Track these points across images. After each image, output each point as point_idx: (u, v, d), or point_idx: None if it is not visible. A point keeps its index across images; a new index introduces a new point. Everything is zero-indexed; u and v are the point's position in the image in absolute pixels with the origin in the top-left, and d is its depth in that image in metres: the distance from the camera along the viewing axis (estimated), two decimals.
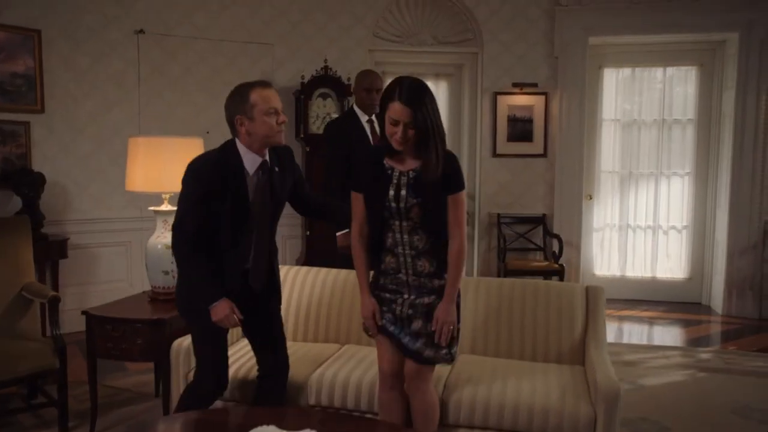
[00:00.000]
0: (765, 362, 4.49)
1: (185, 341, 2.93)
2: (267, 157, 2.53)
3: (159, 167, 3.25)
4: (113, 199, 5.12)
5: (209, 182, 2.41)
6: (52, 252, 4.67)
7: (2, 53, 4.65)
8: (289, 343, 3.21)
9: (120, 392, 3.76)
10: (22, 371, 3.04)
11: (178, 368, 2.91)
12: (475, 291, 3.19)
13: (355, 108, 3.88)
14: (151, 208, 3.38)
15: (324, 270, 3.47)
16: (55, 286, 4.81)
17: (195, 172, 2.43)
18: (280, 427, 2.11)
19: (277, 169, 2.57)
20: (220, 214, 2.44)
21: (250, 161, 2.48)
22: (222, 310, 2.42)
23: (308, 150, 5.60)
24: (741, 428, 3.37)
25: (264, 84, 2.48)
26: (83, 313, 3.14)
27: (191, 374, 2.88)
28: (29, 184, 4.56)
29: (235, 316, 2.45)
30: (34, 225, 4.50)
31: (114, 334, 3.03)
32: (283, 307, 3.30)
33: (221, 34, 5.56)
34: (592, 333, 3.00)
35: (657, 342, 5.18)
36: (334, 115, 5.59)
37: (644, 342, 5.16)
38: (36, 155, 4.83)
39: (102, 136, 5.12)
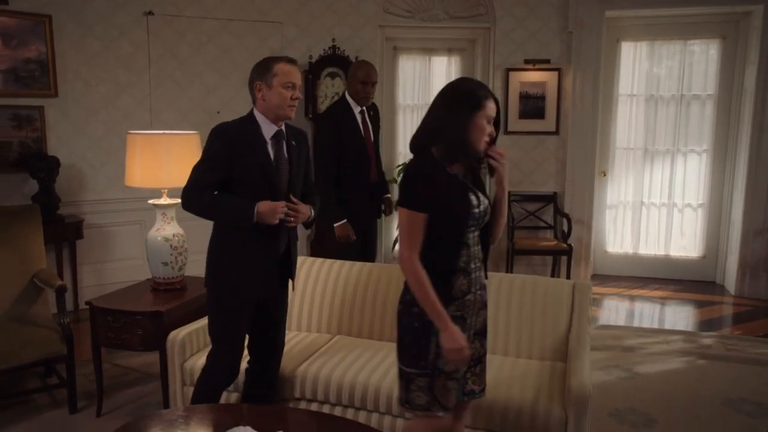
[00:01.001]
0: (767, 349, 4.47)
1: (181, 332, 3.07)
2: (283, 128, 2.64)
3: (157, 163, 3.35)
4: None
5: (230, 141, 2.52)
6: (68, 233, 4.86)
7: (15, 40, 4.76)
8: None
9: (129, 372, 3.96)
10: (29, 358, 3.22)
11: (174, 358, 3.05)
12: None
13: (348, 98, 3.90)
14: (151, 201, 3.49)
15: (318, 260, 3.56)
16: (74, 265, 5.04)
17: (216, 130, 2.57)
18: (255, 427, 2.23)
19: (294, 143, 2.68)
20: (244, 183, 2.53)
21: (267, 129, 2.60)
22: (265, 205, 2.48)
23: (317, 129, 5.63)
24: (730, 422, 3.39)
25: (290, 60, 2.60)
26: (87, 303, 3.30)
27: (186, 363, 3.03)
28: (44, 168, 4.72)
29: (282, 208, 2.51)
30: (50, 207, 4.71)
31: (115, 325, 3.19)
32: None
33: (230, 13, 5.57)
34: (575, 331, 3.03)
35: (664, 323, 5.16)
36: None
37: (650, 324, 5.14)
38: (51, 138, 4.97)
39: (114, 118, 5.23)
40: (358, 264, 3.49)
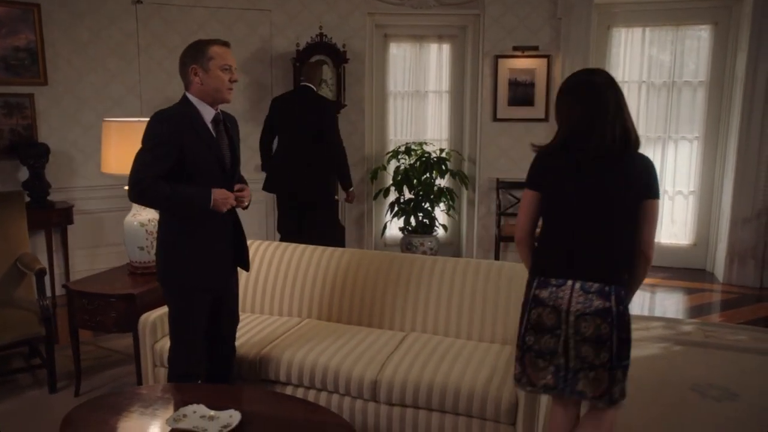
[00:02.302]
0: (747, 335, 4.48)
1: (152, 315, 3.16)
2: (219, 112, 2.64)
3: (131, 150, 3.39)
4: None
5: (175, 127, 2.48)
6: (58, 218, 4.96)
7: (3, 28, 4.85)
8: (252, 316, 3.43)
9: (112, 354, 4.07)
10: (8, 339, 3.33)
11: (145, 339, 3.14)
12: (430, 271, 3.30)
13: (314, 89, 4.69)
14: (126, 187, 3.55)
15: (291, 246, 3.63)
16: (65, 250, 5.15)
17: (158, 117, 2.52)
18: (208, 406, 2.32)
19: (229, 125, 2.69)
20: (197, 169, 2.51)
21: (206, 113, 2.58)
22: (220, 193, 2.51)
23: None
24: (692, 406, 3.43)
25: (223, 42, 2.59)
26: (63, 286, 3.40)
27: (157, 345, 3.12)
28: (34, 155, 4.82)
29: (233, 195, 2.56)
30: (40, 193, 4.82)
31: (90, 308, 3.28)
32: (248, 280, 3.51)
33: (218, 1, 5.62)
34: None
35: (648, 310, 5.18)
36: (330, 82, 5.67)
37: (635, 311, 5.15)
38: (41, 126, 5.07)
39: (105, 106, 5.32)
40: (329, 249, 3.56)
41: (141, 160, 2.52)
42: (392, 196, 6.10)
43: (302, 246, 3.62)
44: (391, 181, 6.11)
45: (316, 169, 4.68)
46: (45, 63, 5.04)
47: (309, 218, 4.79)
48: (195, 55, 2.54)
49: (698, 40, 6.04)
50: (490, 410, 2.59)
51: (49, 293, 3.90)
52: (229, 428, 2.19)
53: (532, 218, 2.36)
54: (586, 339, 2.17)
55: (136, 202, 2.59)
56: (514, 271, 3.22)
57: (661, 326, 4.67)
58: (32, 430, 3.13)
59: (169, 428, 2.19)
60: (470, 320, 3.17)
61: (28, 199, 4.86)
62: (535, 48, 5.88)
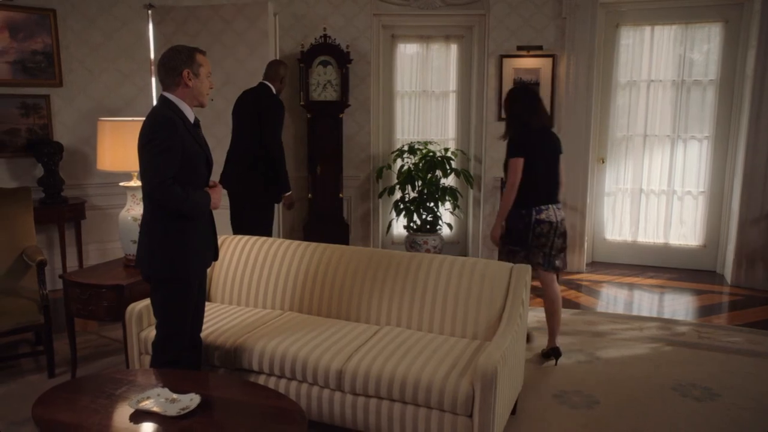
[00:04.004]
0: (743, 337, 4.42)
1: (138, 305, 3.31)
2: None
3: (125, 148, 3.58)
4: None
5: (175, 130, 2.61)
6: (71, 213, 5.20)
7: (22, 33, 5.11)
8: (236, 308, 3.56)
9: (111, 343, 4.25)
10: (7, 325, 3.53)
11: (132, 328, 3.29)
12: (407, 267, 3.37)
13: (271, 87, 4.64)
14: (122, 183, 3.74)
15: (278, 241, 3.75)
16: (78, 244, 5.39)
17: (160, 121, 2.63)
18: (173, 390, 2.45)
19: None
20: (192, 169, 2.68)
21: (189, 114, 2.75)
22: (215, 195, 2.79)
23: (309, 117, 5.82)
24: (671, 405, 3.42)
25: (203, 51, 2.77)
26: (60, 277, 3.59)
27: (142, 333, 3.27)
28: (48, 153, 5.07)
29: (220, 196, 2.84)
30: (54, 189, 5.05)
31: (83, 297, 3.46)
32: (234, 273, 3.65)
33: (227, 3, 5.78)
34: (507, 311, 3.13)
35: (647, 311, 5.14)
36: (335, 82, 5.78)
37: (637, 312, 5.11)
38: (57, 125, 5.32)
39: (117, 106, 5.54)
40: (313, 245, 3.67)
41: (154, 164, 2.61)
42: (398, 194, 6.18)
43: (287, 241, 3.74)
44: (395, 180, 6.19)
45: (252, 166, 4.57)
46: (60, 65, 5.28)
47: (244, 215, 4.69)
48: (187, 60, 2.70)
49: (708, 38, 5.95)
50: (447, 402, 2.66)
51: (60, 285, 4.09)
52: (188, 410, 2.32)
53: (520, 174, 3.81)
54: (560, 234, 3.88)
55: (163, 207, 2.67)
56: (487, 268, 3.28)
57: (656, 327, 4.64)
58: (26, 411, 3.31)
59: (132, 409, 2.33)
60: (443, 315, 3.24)
61: (42, 194, 5.13)
62: (539, 48, 5.89)
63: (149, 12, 5.55)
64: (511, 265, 3.31)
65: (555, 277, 4.03)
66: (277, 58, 5.92)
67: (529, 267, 3.29)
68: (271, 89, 4.61)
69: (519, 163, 3.79)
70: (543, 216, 3.82)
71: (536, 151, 3.82)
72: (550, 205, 3.85)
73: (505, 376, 2.78)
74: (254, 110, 4.52)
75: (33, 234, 4.09)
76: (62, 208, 5.11)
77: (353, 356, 2.91)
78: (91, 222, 5.43)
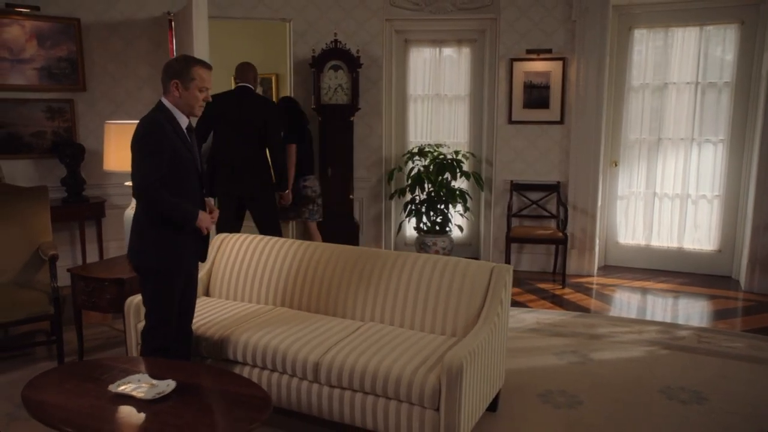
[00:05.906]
0: (743, 343, 4.36)
1: (136, 298, 3.48)
2: (189, 120, 2.95)
3: (127, 149, 3.76)
4: None
5: (165, 134, 2.76)
6: (91, 212, 5.47)
7: (49, 41, 5.40)
8: (228, 302, 3.72)
9: (120, 334, 4.46)
10: (19, 315, 3.76)
11: (130, 320, 3.48)
12: (392, 265, 3.47)
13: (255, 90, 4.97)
14: (126, 183, 3.94)
15: (272, 239, 3.89)
16: (99, 241, 5.66)
17: (150, 124, 2.79)
18: (152, 376, 2.61)
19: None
20: (180, 175, 2.81)
21: (182, 120, 2.90)
22: (204, 218, 2.90)
23: (320, 120, 5.97)
24: (655, 407, 3.42)
25: (208, 65, 2.90)
26: (68, 270, 3.81)
27: (140, 325, 3.45)
28: (70, 154, 5.35)
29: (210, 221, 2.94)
30: (75, 189, 5.32)
31: (87, 290, 3.67)
32: (231, 269, 3.81)
33: (243, 12, 5.99)
34: (485, 310, 3.19)
35: (651, 315, 5.09)
36: (345, 86, 5.91)
37: (643, 315, 5.07)
38: (80, 128, 5.61)
39: (137, 110, 5.77)
40: (305, 243, 3.80)
41: (142, 167, 2.75)
42: (409, 196, 6.28)
43: (281, 240, 3.88)
44: (406, 183, 6.29)
45: (257, 167, 4.85)
46: (84, 71, 5.56)
47: (252, 210, 4.98)
48: (180, 71, 2.83)
49: (723, 39, 5.86)
50: (415, 395, 2.74)
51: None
52: (163, 394, 2.47)
53: None
54: None
55: (149, 210, 2.83)
56: (469, 268, 3.35)
57: (656, 330, 4.61)
58: None
59: (112, 392, 2.50)
60: (423, 312, 3.32)
61: (65, 194, 5.41)
62: (549, 51, 5.90)
63: (169, 20, 5.78)
64: (492, 264, 3.37)
65: None
66: (291, 63, 6.11)
67: (510, 267, 3.34)
68: (260, 93, 4.92)
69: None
70: None
71: None
72: None
73: (476, 372, 2.84)
74: (261, 117, 4.79)
75: (49, 230, 4.33)
76: (83, 206, 5.39)
77: (331, 350, 3.01)
78: (110, 220, 5.69)
